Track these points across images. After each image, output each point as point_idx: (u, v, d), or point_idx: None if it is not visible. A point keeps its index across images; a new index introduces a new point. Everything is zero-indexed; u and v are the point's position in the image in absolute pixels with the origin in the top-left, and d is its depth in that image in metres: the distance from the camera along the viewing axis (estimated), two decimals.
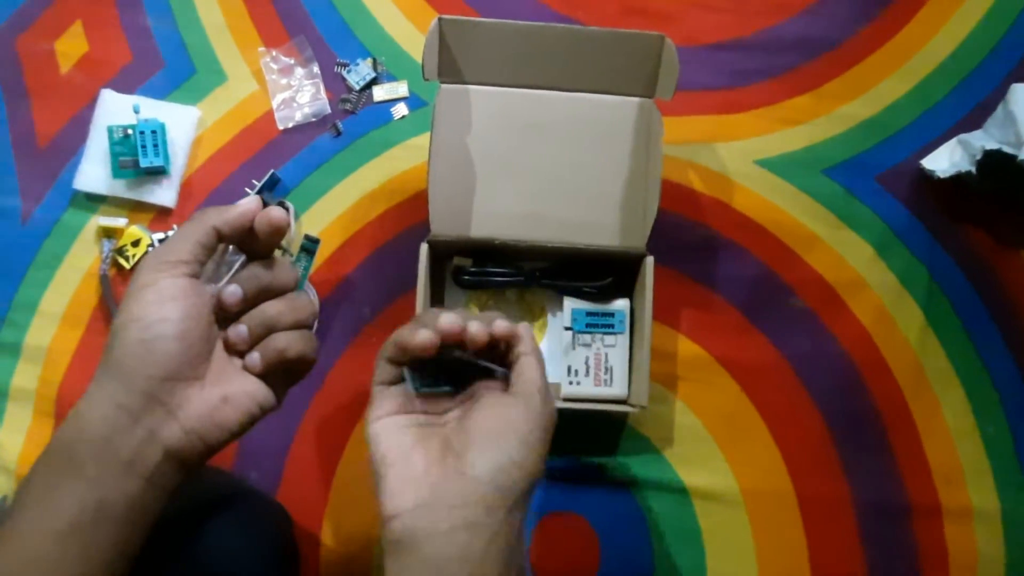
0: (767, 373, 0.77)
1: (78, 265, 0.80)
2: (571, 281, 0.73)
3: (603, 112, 0.71)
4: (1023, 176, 0.73)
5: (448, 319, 0.48)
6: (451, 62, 0.69)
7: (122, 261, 0.79)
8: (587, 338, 0.73)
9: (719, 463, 0.75)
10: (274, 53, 0.83)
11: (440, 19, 0.67)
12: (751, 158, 0.81)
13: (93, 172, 0.80)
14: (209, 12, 0.85)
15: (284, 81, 0.83)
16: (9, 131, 0.83)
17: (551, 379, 0.55)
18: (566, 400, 0.72)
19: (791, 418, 0.76)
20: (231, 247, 0.50)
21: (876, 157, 0.81)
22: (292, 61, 0.83)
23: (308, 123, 0.82)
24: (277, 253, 0.51)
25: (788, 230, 0.79)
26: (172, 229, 0.80)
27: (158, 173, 0.80)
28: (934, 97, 0.82)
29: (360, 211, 0.80)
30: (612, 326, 0.73)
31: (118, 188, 0.80)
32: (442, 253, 0.74)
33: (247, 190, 0.80)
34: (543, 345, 0.75)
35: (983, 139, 0.74)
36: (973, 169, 0.73)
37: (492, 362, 0.51)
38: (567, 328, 0.73)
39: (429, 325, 0.48)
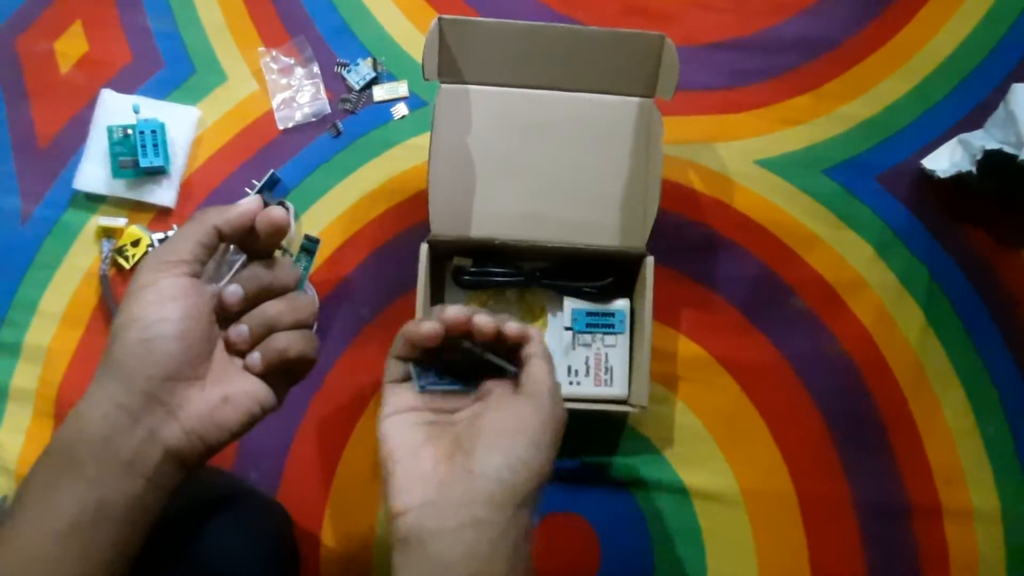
0: (767, 373, 0.77)
1: (78, 265, 0.80)
2: (571, 281, 0.73)
3: (603, 112, 0.71)
4: (1023, 176, 0.73)
5: (454, 309, 0.49)
6: (451, 62, 0.69)
7: (122, 261, 0.79)
8: (587, 338, 0.73)
9: (719, 463, 0.75)
10: (274, 53, 0.83)
11: (440, 19, 0.67)
12: (751, 158, 0.81)
13: (93, 172, 0.80)
14: (209, 12, 0.85)
15: (284, 81, 0.83)
16: (9, 131, 0.83)
17: None
18: (566, 400, 0.72)
19: (791, 418, 0.76)
20: (232, 247, 0.50)
21: (876, 157, 0.81)
22: (292, 61, 0.83)
23: (308, 123, 0.82)
24: (277, 253, 0.51)
25: (788, 230, 0.79)
26: (172, 229, 0.80)
27: (158, 173, 0.80)
28: (934, 97, 0.82)
29: (360, 211, 0.80)
30: (612, 326, 0.73)
31: (118, 188, 0.80)
32: (442, 253, 0.74)
33: (247, 190, 0.80)
34: None
35: (983, 139, 0.74)
36: (974, 169, 0.73)
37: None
38: (567, 328, 0.73)
39: (434, 317, 0.49)
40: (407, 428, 0.49)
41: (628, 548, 0.74)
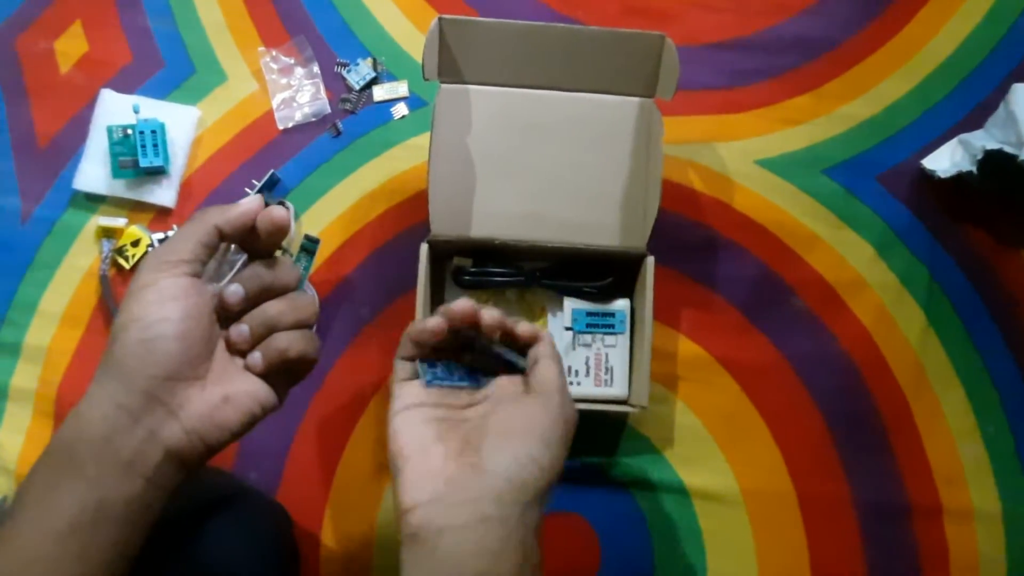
0: (767, 373, 0.77)
1: (78, 265, 0.80)
2: (571, 281, 0.73)
3: (603, 112, 0.71)
4: (1023, 176, 0.73)
5: (461, 302, 0.50)
6: (451, 62, 0.69)
7: (122, 261, 0.78)
8: (587, 338, 0.73)
9: (719, 463, 0.75)
10: (274, 53, 0.83)
11: (440, 19, 0.67)
12: (751, 158, 0.81)
13: (93, 172, 0.80)
14: (209, 12, 0.85)
15: (284, 81, 0.83)
16: (9, 131, 0.83)
17: None
18: None
19: (792, 418, 0.76)
20: (233, 246, 0.50)
21: (877, 157, 0.81)
22: (292, 61, 0.83)
23: (308, 123, 0.82)
24: (277, 253, 0.51)
25: (788, 230, 0.79)
26: (172, 229, 0.80)
27: (158, 173, 0.80)
28: (935, 97, 0.82)
29: (360, 211, 0.80)
30: (612, 326, 0.73)
31: (118, 188, 0.80)
32: (442, 253, 0.74)
33: (247, 190, 0.80)
34: None
35: (984, 139, 0.74)
36: (974, 169, 0.73)
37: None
38: (567, 328, 0.73)
39: (439, 313, 0.50)
40: (417, 425, 0.49)
41: (628, 548, 0.74)
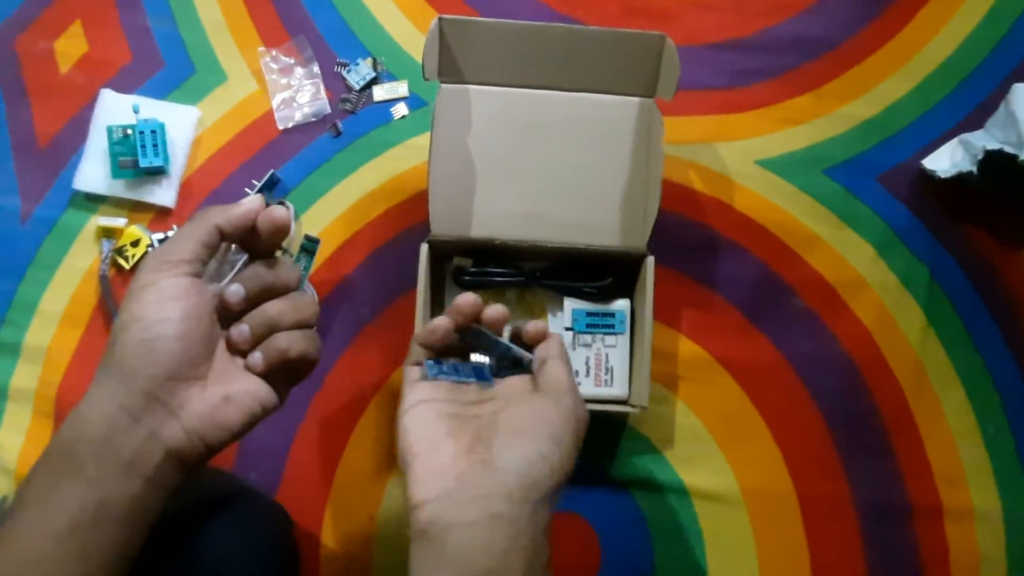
0: (768, 373, 0.77)
1: (78, 265, 0.80)
2: (571, 281, 0.73)
3: (604, 112, 0.71)
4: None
5: (465, 297, 0.51)
6: (451, 62, 0.69)
7: (122, 261, 0.78)
8: (587, 338, 0.73)
9: (720, 463, 0.75)
10: (274, 53, 0.83)
11: (440, 19, 0.67)
12: (752, 158, 0.81)
13: (93, 172, 0.80)
14: (209, 12, 0.85)
15: (284, 81, 0.83)
16: (9, 131, 0.83)
17: None
18: None
19: (792, 418, 0.76)
20: (233, 246, 0.50)
21: (877, 157, 0.81)
22: (292, 61, 0.83)
23: (308, 123, 0.82)
24: (277, 253, 0.51)
25: (789, 230, 0.79)
26: (172, 229, 0.80)
27: (158, 173, 0.80)
28: (935, 97, 0.82)
29: (360, 211, 0.80)
30: (612, 326, 0.73)
31: (118, 188, 0.80)
32: (442, 253, 0.74)
33: (247, 190, 0.80)
34: None
35: (984, 139, 0.74)
36: (974, 169, 0.73)
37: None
38: (567, 328, 0.73)
39: (445, 314, 0.51)
40: (428, 421, 0.49)
41: (628, 548, 0.74)
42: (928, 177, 0.78)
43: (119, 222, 0.79)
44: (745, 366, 0.77)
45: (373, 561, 0.74)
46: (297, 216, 0.80)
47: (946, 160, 0.77)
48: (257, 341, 0.48)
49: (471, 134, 0.70)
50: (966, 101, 0.81)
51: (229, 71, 0.83)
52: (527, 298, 0.76)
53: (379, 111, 0.82)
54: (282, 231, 0.49)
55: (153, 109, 0.81)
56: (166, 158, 0.80)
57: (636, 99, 0.71)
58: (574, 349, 0.72)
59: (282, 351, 0.48)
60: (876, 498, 0.75)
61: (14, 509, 0.42)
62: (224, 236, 0.48)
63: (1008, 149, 0.71)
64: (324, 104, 0.82)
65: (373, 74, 0.82)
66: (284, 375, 0.50)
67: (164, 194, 0.80)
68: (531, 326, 0.53)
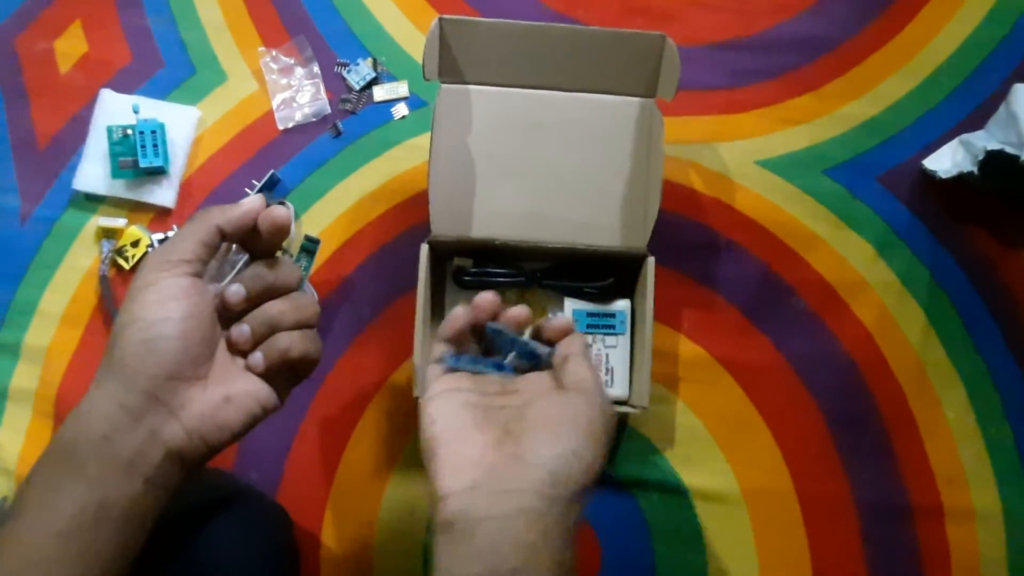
0: (768, 373, 0.77)
1: (78, 265, 0.80)
2: (572, 281, 0.73)
3: (604, 112, 0.71)
4: None
5: (485, 295, 0.51)
6: (452, 62, 0.69)
7: (121, 262, 0.78)
8: (588, 339, 0.73)
9: (720, 464, 0.75)
10: (274, 53, 0.83)
11: (441, 19, 0.67)
12: (752, 158, 0.81)
13: (92, 172, 0.80)
14: (209, 12, 0.85)
15: (284, 81, 0.83)
16: (8, 131, 0.83)
17: None
18: None
19: (792, 419, 0.76)
20: (234, 246, 0.50)
21: (877, 157, 0.81)
22: (292, 61, 0.83)
23: (308, 123, 0.82)
24: (277, 254, 0.51)
25: (789, 230, 0.79)
26: (172, 229, 0.80)
27: (158, 173, 0.80)
28: (936, 97, 0.82)
29: (360, 211, 0.80)
30: (613, 327, 0.73)
31: (117, 188, 0.80)
32: (442, 254, 0.74)
33: (247, 190, 0.80)
34: None
35: (985, 139, 0.74)
36: (975, 170, 0.73)
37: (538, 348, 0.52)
38: None
39: (464, 304, 0.51)
40: (454, 410, 0.48)
41: (628, 548, 0.74)
42: (929, 177, 0.78)
43: (119, 222, 0.79)
44: (745, 366, 0.77)
45: (373, 561, 0.74)
46: (297, 216, 0.80)
47: (947, 160, 0.77)
48: (258, 341, 0.48)
49: (471, 134, 0.70)
50: (967, 101, 0.81)
51: (229, 71, 0.83)
52: (527, 298, 0.75)
53: (379, 111, 0.82)
54: (283, 231, 0.49)
55: (153, 109, 0.81)
56: (166, 158, 0.79)
57: (636, 99, 0.71)
58: None
59: (283, 351, 0.48)
60: (876, 498, 0.75)
61: (15, 509, 0.42)
62: (225, 236, 0.48)
63: (1009, 150, 0.71)
64: (324, 104, 0.82)
65: (373, 74, 0.82)
66: (285, 375, 0.50)
67: (164, 194, 0.80)
68: (555, 322, 0.52)
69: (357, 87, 0.82)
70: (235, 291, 0.48)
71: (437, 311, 0.74)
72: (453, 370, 0.52)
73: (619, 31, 0.68)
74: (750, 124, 0.81)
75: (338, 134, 0.82)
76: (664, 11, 0.84)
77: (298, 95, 0.82)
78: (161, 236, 0.79)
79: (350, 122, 0.82)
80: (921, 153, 0.80)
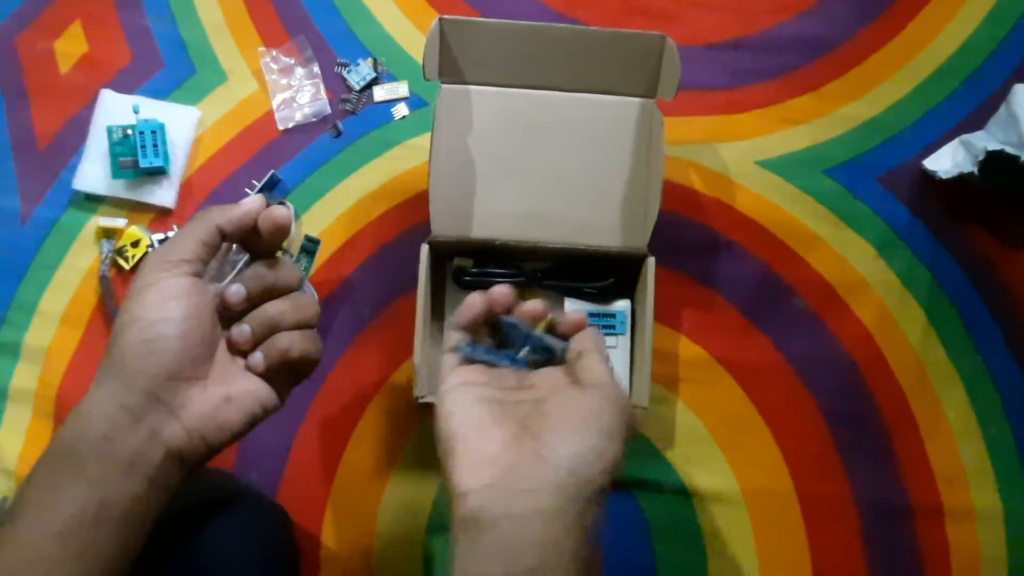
0: (769, 374, 0.77)
1: (78, 265, 0.80)
2: (572, 282, 0.73)
3: (604, 112, 0.71)
4: None
5: (500, 288, 0.51)
6: (452, 62, 0.69)
7: (121, 262, 0.78)
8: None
9: (720, 464, 0.75)
10: (274, 53, 0.83)
11: (441, 19, 0.67)
12: (752, 158, 0.81)
13: (92, 172, 0.80)
14: (209, 12, 0.85)
15: (284, 81, 0.83)
16: (8, 131, 0.83)
17: None
18: None
19: (793, 419, 0.76)
20: (234, 246, 0.50)
21: (878, 158, 0.81)
22: (292, 61, 0.83)
23: (308, 123, 0.82)
24: (278, 254, 0.51)
25: (789, 230, 0.79)
26: (172, 230, 0.80)
27: (158, 173, 0.80)
28: (936, 97, 0.82)
29: (360, 211, 0.80)
30: (613, 327, 0.73)
31: (118, 188, 0.80)
32: (443, 254, 0.74)
33: (247, 191, 0.80)
34: None
35: (985, 140, 0.74)
36: (975, 170, 0.73)
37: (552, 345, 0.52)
38: None
39: (479, 294, 0.51)
40: (471, 404, 0.47)
41: (629, 549, 0.74)
42: (929, 178, 0.78)
43: (119, 222, 0.79)
44: (745, 366, 0.77)
45: (374, 561, 0.74)
46: (297, 216, 0.80)
47: (947, 161, 0.77)
48: (258, 341, 0.48)
49: (472, 134, 0.70)
50: (967, 102, 0.81)
51: (229, 71, 0.83)
52: (527, 298, 0.75)
53: (379, 111, 0.82)
54: (283, 231, 0.49)
55: (153, 109, 0.81)
56: (166, 158, 0.79)
57: (637, 99, 0.71)
58: None
59: (283, 351, 0.48)
60: (876, 498, 0.75)
61: (15, 509, 0.42)
62: (225, 236, 0.48)
63: (1009, 150, 0.71)
64: (324, 104, 0.82)
65: (373, 74, 0.82)
66: (285, 375, 0.50)
67: (164, 194, 0.80)
68: (569, 317, 0.52)
69: (357, 87, 0.82)
70: (235, 291, 0.48)
71: (437, 311, 0.74)
72: (469, 360, 0.51)
73: (619, 31, 0.68)
74: (750, 124, 0.81)
75: (338, 134, 0.82)
76: (664, 11, 0.84)
77: (298, 95, 0.82)
78: (161, 236, 0.79)
79: (350, 122, 0.82)
80: (921, 153, 0.80)
